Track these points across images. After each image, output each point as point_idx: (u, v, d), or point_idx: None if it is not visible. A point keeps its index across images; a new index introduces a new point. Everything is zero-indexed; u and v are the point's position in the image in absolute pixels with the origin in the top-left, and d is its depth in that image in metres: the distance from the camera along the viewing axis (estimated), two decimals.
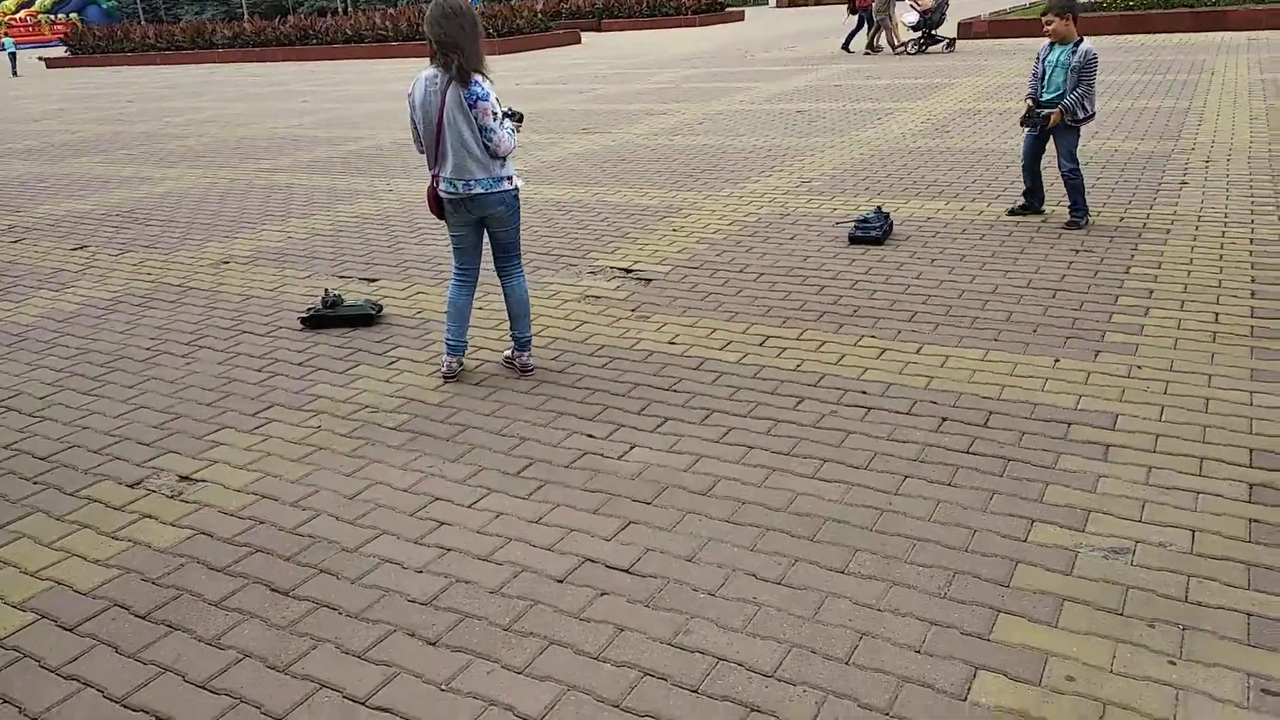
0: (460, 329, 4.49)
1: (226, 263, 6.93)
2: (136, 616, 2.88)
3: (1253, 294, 4.87)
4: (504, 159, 4.25)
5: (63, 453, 4.02)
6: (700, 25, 35.60)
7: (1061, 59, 6.06)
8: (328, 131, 13.64)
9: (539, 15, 31.60)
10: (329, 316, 5.39)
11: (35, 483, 3.77)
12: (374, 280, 6.23)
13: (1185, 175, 7.38)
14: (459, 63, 4.00)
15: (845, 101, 12.93)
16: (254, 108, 17.46)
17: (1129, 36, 18.96)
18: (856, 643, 2.57)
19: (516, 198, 4.36)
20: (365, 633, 2.74)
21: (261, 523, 3.37)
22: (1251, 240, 5.71)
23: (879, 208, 6.35)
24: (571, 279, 5.93)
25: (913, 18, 18.21)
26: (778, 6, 53.80)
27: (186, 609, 2.90)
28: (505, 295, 4.49)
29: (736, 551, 3.02)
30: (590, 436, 3.88)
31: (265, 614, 2.85)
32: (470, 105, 4.08)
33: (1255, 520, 3.00)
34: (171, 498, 3.59)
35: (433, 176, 4.27)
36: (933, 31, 18.28)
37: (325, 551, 3.17)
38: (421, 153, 4.31)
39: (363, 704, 2.46)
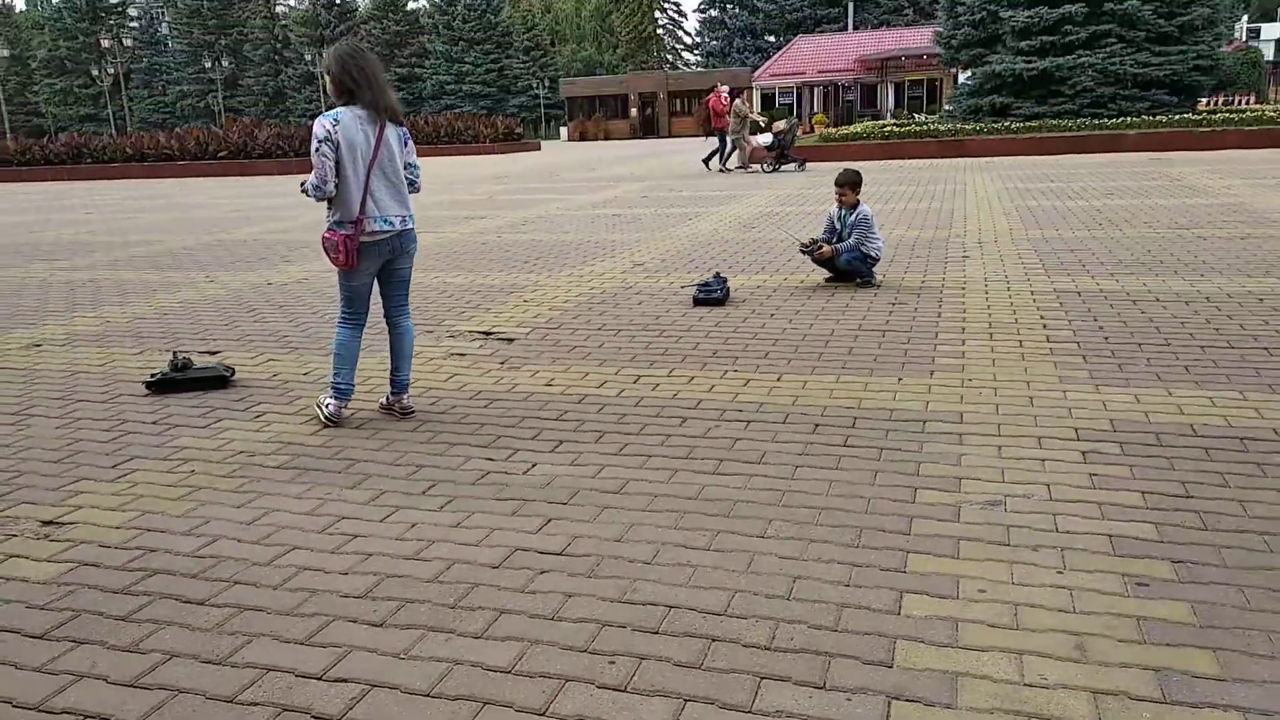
0: (352, 373, 4.43)
1: (38, 345, 6.42)
2: (32, 637, 2.62)
3: (1045, 326, 5.66)
4: None
5: None
6: (499, 153, 36.79)
7: (848, 218, 7.24)
8: (122, 237, 12.94)
9: None
10: (177, 380, 5.13)
11: None
12: (216, 353, 5.98)
13: (965, 253, 8.47)
14: (387, 103, 4.11)
15: (655, 209, 13.80)
16: (30, 219, 16.28)
17: (887, 161, 21.45)
18: (791, 585, 2.76)
19: None
20: (303, 625, 2.64)
21: (153, 550, 3.16)
22: (1032, 293, 6.63)
23: (717, 273, 6.86)
24: (432, 342, 5.97)
25: (767, 139, 19.44)
26: (569, 139, 56.69)
27: (91, 625, 2.67)
28: (398, 337, 4.49)
29: (661, 530, 3.16)
30: (489, 459, 3.92)
31: (184, 620, 2.68)
32: (404, 143, 4.23)
33: (1094, 474, 3.49)
34: (39, 539, 3.29)
35: (352, 223, 4.12)
36: (785, 152, 19.46)
37: (235, 567, 3.01)
38: (320, 199, 4.14)
39: (319, 679, 2.37)
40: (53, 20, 72.97)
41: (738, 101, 19.93)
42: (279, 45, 70.02)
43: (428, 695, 2.28)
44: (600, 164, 27.29)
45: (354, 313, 4.42)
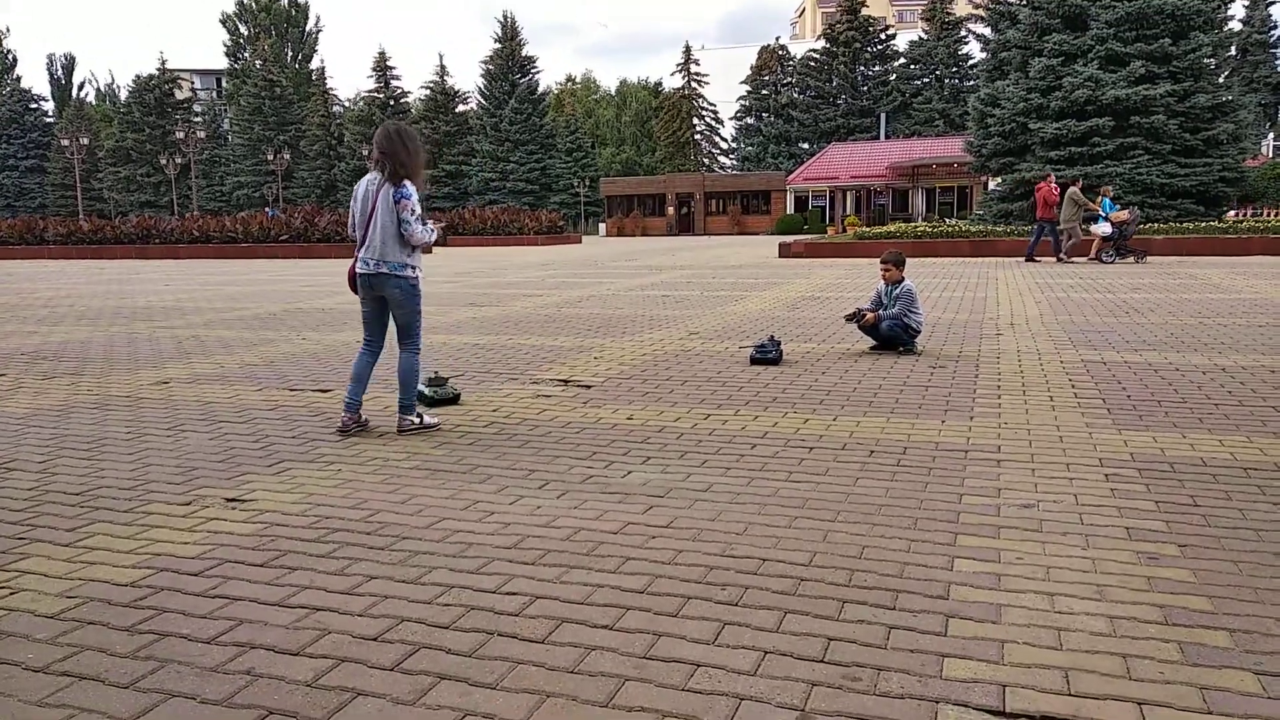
0: (357, 390, 5.41)
1: (166, 383, 7.21)
2: (252, 565, 3.28)
3: (1072, 386, 6.28)
4: (414, 249, 5.30)
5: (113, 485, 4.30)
6: (543, 244, 38.26)
7: (893, 291, 7.99)
8: (208, 304, 13.95)
9: None
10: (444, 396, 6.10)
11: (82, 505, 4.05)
12: (327, 391, 6.73)
13: (999, 330, 9.14)
14: (392, 168, 5.18)
15: (701, 291, 14.65)
16: (115, 289, 17.44)
17: (921, 258, 22.30)
18: (861, 550, 3.37)
19: (414, 285, 5.33)
20: (469, 563, 3.28)
21: (328, 518, 3.83)
22: (1061, 362, 7.26)
23: (771, 336, 7.57)
24: (518, 385, 6.69)
25: (1106, 229, 19.14)
26: (606, 235, 58.55)
27: (298, 560, 3.33)
28: (398, 364, 5.42)
29: (747, 515, 3.78)
30: (590, 467, 4.57)
31: (374, 559, 3.33)
32: (395, 201, 5.20)
33: (1115, 489, 4.08)
34: (230, 508, 3.98)
35: (355, 257, 5.31)
36: (1124, 244, 19.03)
37: (400, 529, 3.68)
38: (352, 237, 5.37)
39: (492, 592, 3.00)
40: (122, 114, 77.43)
41: (1073, 189, 19.56)
42: (334, 141, 73.50)
43: (582, 604, 2.91)
44: (641, 255, 28.46)
45: (365, 338, 5.53)
